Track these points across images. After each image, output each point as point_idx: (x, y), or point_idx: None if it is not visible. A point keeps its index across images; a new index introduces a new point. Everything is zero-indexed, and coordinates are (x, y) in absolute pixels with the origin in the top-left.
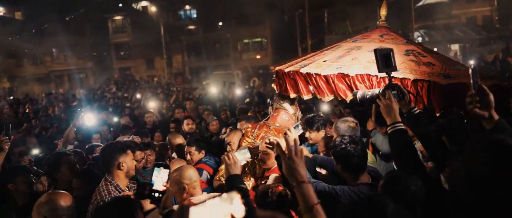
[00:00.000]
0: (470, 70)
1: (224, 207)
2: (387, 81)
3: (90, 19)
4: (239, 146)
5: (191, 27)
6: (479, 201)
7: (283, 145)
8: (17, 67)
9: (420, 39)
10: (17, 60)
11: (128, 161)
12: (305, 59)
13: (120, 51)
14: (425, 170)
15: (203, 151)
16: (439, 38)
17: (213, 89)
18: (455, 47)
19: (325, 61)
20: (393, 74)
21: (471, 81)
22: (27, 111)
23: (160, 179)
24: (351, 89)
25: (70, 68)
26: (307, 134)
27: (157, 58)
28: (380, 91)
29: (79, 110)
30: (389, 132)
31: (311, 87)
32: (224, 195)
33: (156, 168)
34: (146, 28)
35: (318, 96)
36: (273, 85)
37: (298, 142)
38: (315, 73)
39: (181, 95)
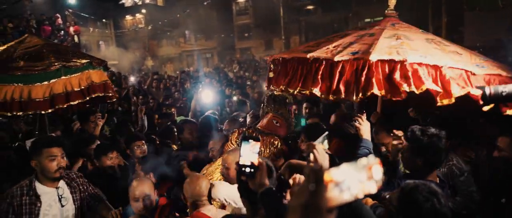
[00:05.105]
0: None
1: (363, 173)
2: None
3: (217, 3)
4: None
5: (310, 7)
6: None
7: None
8: (158, 48)
9: None
10: (158, 42)
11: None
12: (307, 45)
13: (243, 32)
14: None
15: (151, 174)
16: None
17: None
18: None
19: (334, 46)
20: (421, 60)
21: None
22: (167, 86)
23: (249, 153)
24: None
25: (199, 48)
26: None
27: (275, 39)
28: None
29: (199, 86)
30: None
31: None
32: (363, 160)
33: (243, 141)
34: (266, 9)
35: (314, 91)
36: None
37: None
38: (324, 59)
39: None
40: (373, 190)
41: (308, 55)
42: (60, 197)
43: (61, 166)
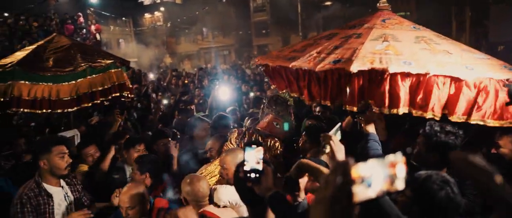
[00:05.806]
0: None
1: (387, 170)
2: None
3: (235, 0)
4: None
5: (328, 3)
6: None
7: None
8: (176, 45)
9: None
10: (176, 39)
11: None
12: (293, 50)
13: (260, 29)
14: None
15: (147, 174)
16: None
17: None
18: None
19: (318, 52)
20: (404, 68)
21: None
22: (186, 82)
23: (253, 158)
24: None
25: (216, 45)
26: None
27: (292, 36)
28: None
29: (216, 82)
30: None
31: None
32: (390, 156)
33: (247, 147)
34: (283, 5)
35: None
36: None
37: None
38: (309, 70)
39: None
40: (400, 186)
41: (290, 65)
42: (65, 196)
43: (69, 163)
